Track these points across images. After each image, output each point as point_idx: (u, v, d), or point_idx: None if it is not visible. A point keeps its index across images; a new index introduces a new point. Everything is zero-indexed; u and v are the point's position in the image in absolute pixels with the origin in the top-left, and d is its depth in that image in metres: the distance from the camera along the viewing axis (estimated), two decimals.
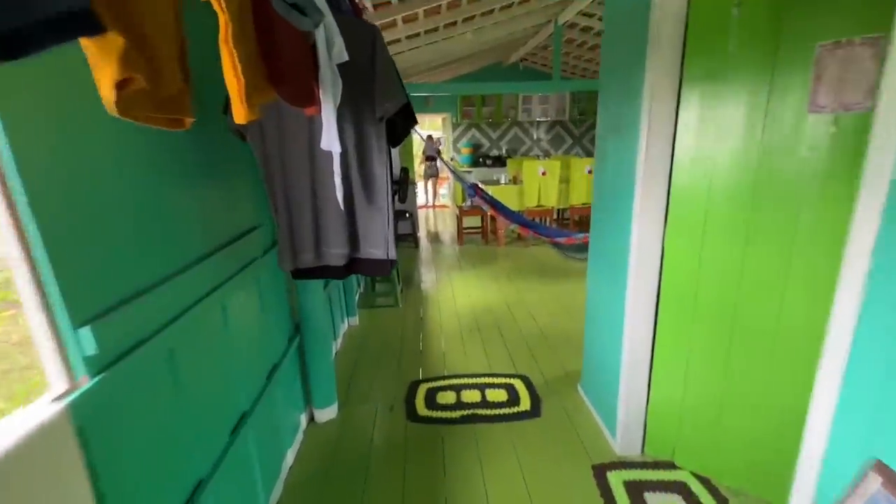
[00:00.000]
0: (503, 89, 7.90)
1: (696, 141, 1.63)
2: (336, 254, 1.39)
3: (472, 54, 6.56)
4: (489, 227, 6.23)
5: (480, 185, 4.29)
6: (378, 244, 1.39)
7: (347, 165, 1.31)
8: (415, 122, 1.43)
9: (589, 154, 9.57)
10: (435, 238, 6.77)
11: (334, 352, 3.11)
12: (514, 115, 8.92)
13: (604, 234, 2.20)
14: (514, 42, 6.48)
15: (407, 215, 5.96)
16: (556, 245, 4.28)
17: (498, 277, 4.76)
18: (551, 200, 5.67)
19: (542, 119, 9.06)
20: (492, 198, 4.33)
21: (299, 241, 1.38)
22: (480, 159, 9.17)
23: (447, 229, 7.38)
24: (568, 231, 4.47)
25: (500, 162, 8.99)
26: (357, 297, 4.10)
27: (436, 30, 4.36)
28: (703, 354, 1.80)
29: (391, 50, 4.56)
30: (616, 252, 2.01)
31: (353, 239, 1.40)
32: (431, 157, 9.48)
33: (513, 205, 5.76)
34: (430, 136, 9.23)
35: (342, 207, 1.26)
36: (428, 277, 4.87)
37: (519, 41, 6.46)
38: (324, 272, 1.45)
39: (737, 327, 1.69)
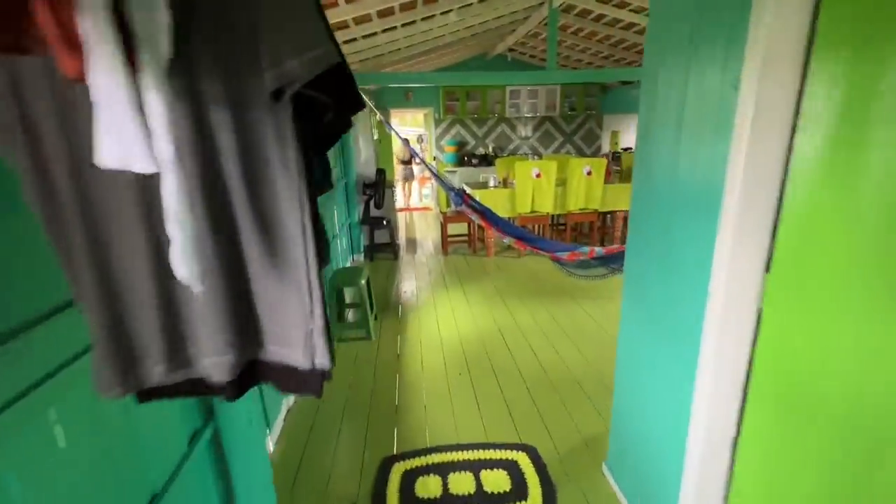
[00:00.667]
0: (493, 80, 7.19)
1: (836, 136, 0.99)
2: (214, 363, 0.71)
3: (455, 41, 5.88)
4: (477, 235, 5.58)
5: (468, 191, 3.63)
6: (293, 341, 0.71)
7: (225, 199, 0.63)
8: (359, 105, 0.75)
9: (581, 153, 9.00)
10: (416, 247, 6.08)
11: (284, 412, 2.41)
12: (500, 110, 8.27)
13: (653, 271, 1.55)
14: (502, 28, 5.82)
15: (384, 223, 5.27)
16: (558, 261, 3.65)
17: (489, 296, 4.11)
18: (546, 206, 5.04)
19: (530, 115, 8.44)
20: (482, 206, 3.66)
21: (135, 343, 0.69)
22: (465, 158, 8.51)
23: (430, 236, 6.70)
24: (569, 244, 3.82)
25: (486, 161, 8.35)
26: None
27: (413, 5, 3.67)
28: (821, 468, 1.17)
29: (357, 33, 3.87)
30: (677, 302, 1.37)
31: (248, 331, 0.72)
32: (405, 161, 8.88)
33: (504, 211, 5.12)
34: (406, 140, 8.61)
35: (196, 284, 0.58)
36: (407, 297, 4.18)
37: (507, 27, 5.81)
38: (196, 388, 0.77)
39: (893, 434, 1.06)
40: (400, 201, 9.49)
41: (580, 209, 5.16)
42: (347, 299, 3.73)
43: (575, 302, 3.90)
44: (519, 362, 2.95)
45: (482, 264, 5.09)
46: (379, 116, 3.42)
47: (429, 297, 4.17)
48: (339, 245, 4.72)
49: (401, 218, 7.91)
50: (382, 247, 5.59)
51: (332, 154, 4.55)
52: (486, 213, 3.68)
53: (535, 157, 8.62)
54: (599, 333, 3.32)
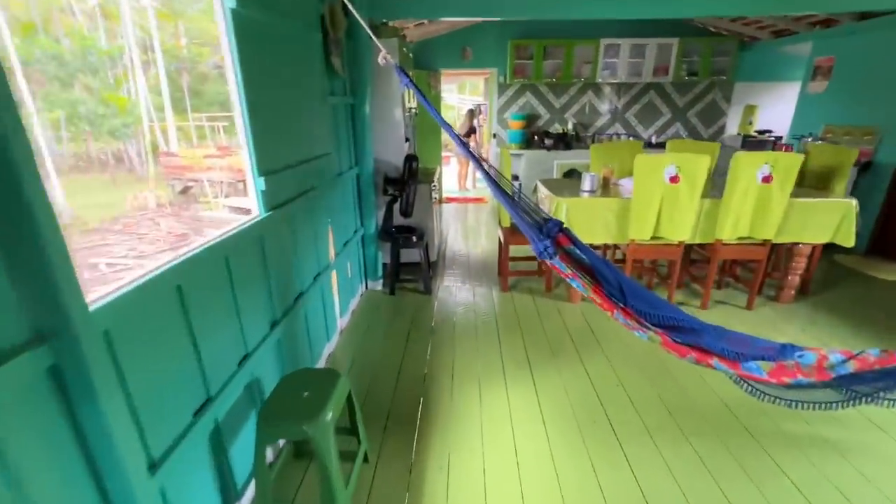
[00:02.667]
0: (615, 12, 4.02)
1: None
2: None
3: None
4: None
5: (566, 225, 1.71)
6: None
7: None
8: None
9: (694, 135, 6.64)
10: (462, 267, 4.22)
11: None
12: (590, 73, 6.09)
13: None
14: None
15: (414, 238, 3.44)
16: (747, 381, 1.69)
17: (583, 410, 2.21)
18: (681, 231, 2.98)
19: (630, 81, 6.19)
20: (595, 258, 1.73)
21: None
22: (535, 137, 6.47)
23: (483, 247, 4.79)
24: (773, 342, 1.75)
25: (563, 142, 6.26)
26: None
27: None
28: None
29: None
30: None
31: None
32: (467, 133, 7.21)
33: (604, 235, 3.13)
34: (470, 111, 7.09)
35: None
36: (432, 392, 2.37)
37: None
38: None
39: None
40: (453, 186, 7.63)
41: (739, 239, 3.05)
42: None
43: (769, 455, 1.93)
44: None
45: (562, 317, 3.17)
46: (383, 56, 1.56)
47: (470, 392, 2.34)
48: (344, 273, 2.97)
49: (447, 213, 6.05)
50: (410, 270, 3.80)
51: (337, 133, 2.75)
52: (601, 272, 1.73)
53: (628, 137, 6.42)
54: None
